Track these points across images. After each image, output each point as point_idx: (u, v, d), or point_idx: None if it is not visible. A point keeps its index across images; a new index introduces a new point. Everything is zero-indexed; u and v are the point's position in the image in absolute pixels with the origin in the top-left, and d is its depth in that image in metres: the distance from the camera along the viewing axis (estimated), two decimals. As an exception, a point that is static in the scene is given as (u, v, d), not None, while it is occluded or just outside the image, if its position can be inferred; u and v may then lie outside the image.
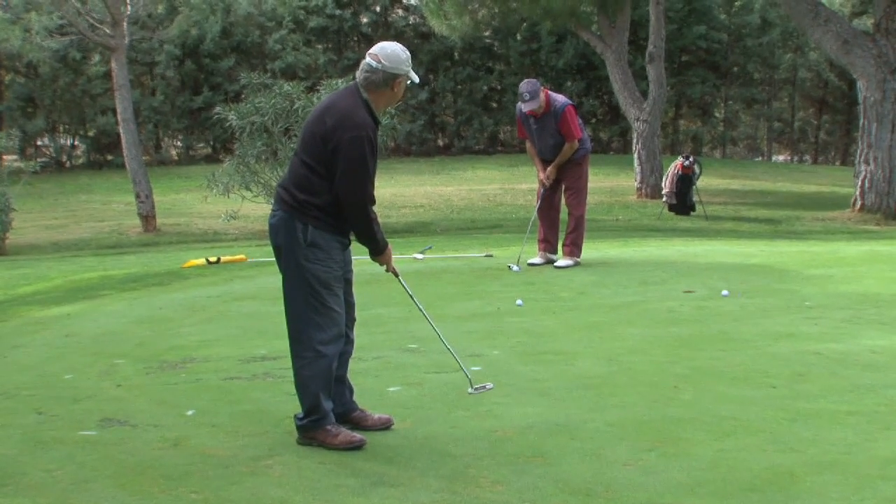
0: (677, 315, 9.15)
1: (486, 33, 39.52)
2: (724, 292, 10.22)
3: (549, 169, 12.22)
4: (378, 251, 5.73)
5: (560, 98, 12.17)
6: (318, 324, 5.51)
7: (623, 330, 8.42)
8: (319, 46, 40.84)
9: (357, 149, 5.46)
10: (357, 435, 5.56)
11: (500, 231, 18.54)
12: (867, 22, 27.10)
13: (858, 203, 21.23)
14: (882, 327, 8.46)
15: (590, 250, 13.50)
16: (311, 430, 5.54)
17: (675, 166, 22.19)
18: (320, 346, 5.50)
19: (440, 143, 43.25)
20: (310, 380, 5.53)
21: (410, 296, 5.98)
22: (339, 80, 19.81)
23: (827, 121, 48.30)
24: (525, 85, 11.93)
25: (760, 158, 47.73)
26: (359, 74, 5.65)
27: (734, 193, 28.00)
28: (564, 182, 12.44)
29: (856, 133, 27.03)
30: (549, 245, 12.64)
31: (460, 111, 42.17)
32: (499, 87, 42.24)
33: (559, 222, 12.70)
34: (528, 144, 12.64)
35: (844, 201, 22.47)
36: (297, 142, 5.83)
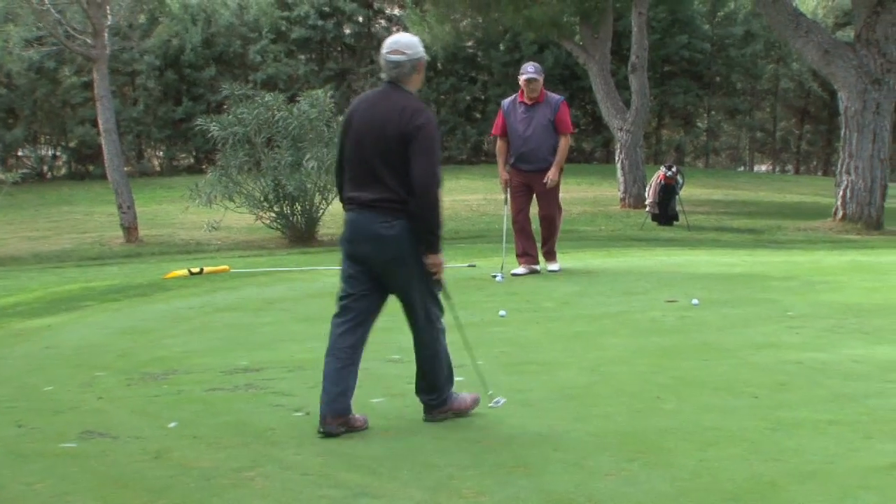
0: (660, 325, 9.18)
1: (469, 44, 39.56)
2: (695, 301, 10.27)
3: (551, 170, 12.26)
4: (437, 247, 5.98)
5: (556, 94, 12.45)
6: (438, 306, 6.16)
7: (606, 340, 8.44)
8: (302, 57, 40.80)
9: (432, 130, 5.88)
10: (469, 395, 6.33)
11: (484, 241, 18.53)
12: (850, 34, 27.17)
13: (840, 213, 21.26)
14: (863, 337, 8.51)
15: (573, 260, 13.53)
16: (445, 403, 6.18)
17: (657, 176, 22.20)
18: (441, 322, 6.20)
19: (423, 153, 43.27)
20: (445, 354, 6.21)
21: (450, 304, 6.31)
22: (320, 91, 19.81)
23: (809, 131, 48.43)
24: (531, 64, 12.32)
25: (743, 168, 47.84)
26: (388, 73, 5.99)
27: (717, 203, 28.04)
28: (536, 189, 12.48)
29: (837, 143, 27.12)
30: (530, 258, 12.69)
31: (443, 121, 42.14)
32: (482, 98, 42.24)
33: (533, 232, 12.80)
34: (498, 143, 12.75)
35: (826, 211, 22.52)
36: (354, 156, 6.00)
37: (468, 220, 24.22)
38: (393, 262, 5.94)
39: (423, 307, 6.08)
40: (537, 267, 12.68)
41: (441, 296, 6.16)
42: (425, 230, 5.87)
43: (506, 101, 12.60)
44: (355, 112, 6.09)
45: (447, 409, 6.18)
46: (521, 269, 12.65)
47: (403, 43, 6.02)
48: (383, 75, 6.06)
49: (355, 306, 6.10)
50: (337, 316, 6.17)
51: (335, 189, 6.68)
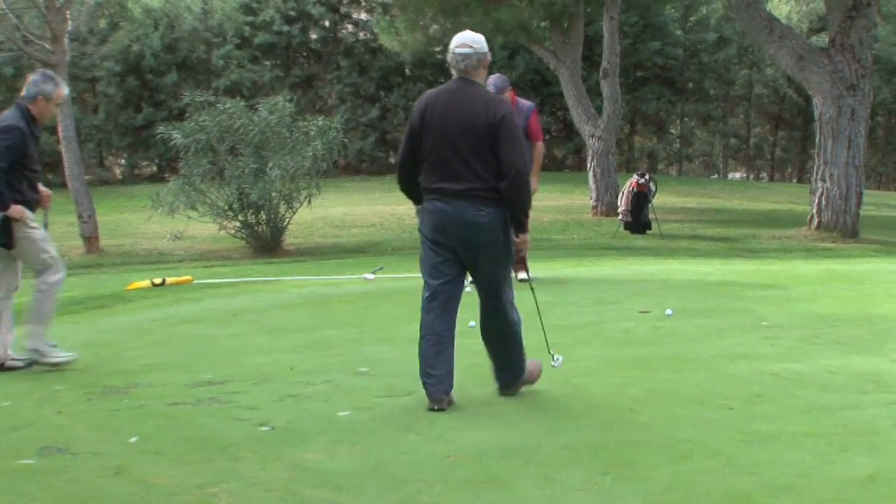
0: (633, 336, 9.20)
1: (438, 49, 39.60)
2: (668, 311, 10.31)
3: (532, 181, 12.26)
4: (528, 227, 6.69)
5: (526, 101, 12.38)
6: (512, 289, 6.83)
7: (578, 351, 8.44)
8: (267, 63, 40.75)
9: (513, 119, 6.53)
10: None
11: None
12: (825, 39, 27.35)
13: (815, 221, 21.37)
14: (839, 347, 8.55)
15: (544, 269, 13.54)
16: (520, 378, 6.90)
17: (630, 184, 22.29)
18: (515, 304, 6.85)
19: (391, 160, 43.23)
20: (521, 336, 6.83)
21: (532, 288, 7.40)
22: (280, 97, 19.74)
23: (783, 137, 48.74)
24: (495, 77, 12.08)
25: (716, 176, 48.09)
26: (457, 66, 6.60)
27: (690, 211, 28.17)
28: None
29: (812, 150, 27.27)
30: None
31: (413, 129, 42.21)
32: (451, 104, 42.34)
33: None
34: None
35: (801, 219, 22.64)
36: (440, 149, 6.53)
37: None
38: (486, 248, 6.55)
39: (505, 290, 6.73)
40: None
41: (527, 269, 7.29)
42: (520, 212, 6.58)
43: None
44: (432, 108, 6.59)
45: (521, 384, 6.93)
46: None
47: (470, 38, 6.65)
48: (452, 70, 6.65)
49: (444, 290, 6.65)
50: (429, 301, 6.69)
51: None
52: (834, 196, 21.06)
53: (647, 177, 22.37)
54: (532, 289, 7.43)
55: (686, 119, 46.41)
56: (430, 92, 6.82)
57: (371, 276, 14.02)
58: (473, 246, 6.52)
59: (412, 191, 6.82)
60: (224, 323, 10.60)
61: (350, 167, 40.61)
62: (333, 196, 27.27)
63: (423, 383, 6.58)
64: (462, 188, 6.45)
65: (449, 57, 6.66)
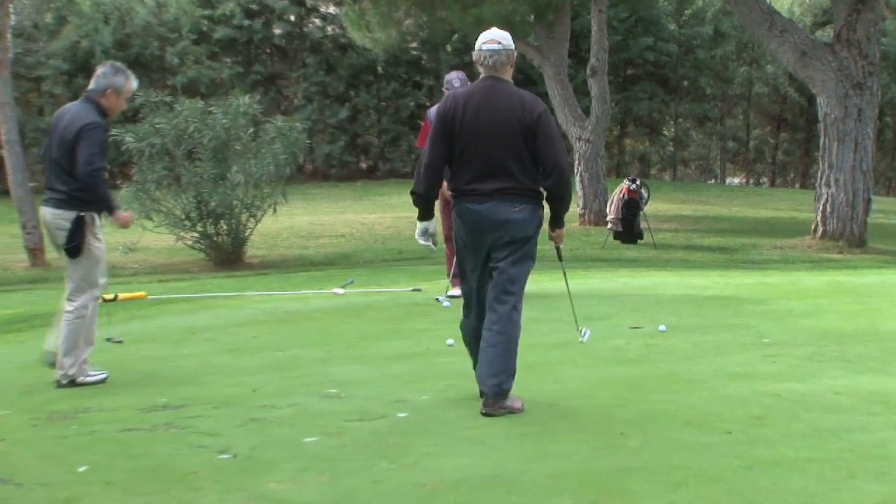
0: (624, 354, 9.22)
1: (413, 45, 39.64)
2: (662, 327, 10.34)
3: None
4: (563, 221, 7.46)
5: None
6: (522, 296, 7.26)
7: (564, 371, 8.45)
8: (227, 60, 40.72)
9: (549, 115, 7.01)
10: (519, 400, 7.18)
11: (429, 262, 18.53)
12: (830, 33, 27.48)
13: (820, 229, 21.46)
14: (845, 366, 8.58)
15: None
16: (507, 395, 7.03)
17: (620, 190, 22.35)
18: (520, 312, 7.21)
19: (363, 165, 43.28)
20: (517, 343, 7.11)
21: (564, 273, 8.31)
22: (240, 98, 19.64)
23: (785, 139, 48.93)
24: (455, 73, 12.16)
25: (713, 181, 48.28)
26: (485, 63, 6.99)
27: (685, 219, 28.26)
28: None
29: (816, 153, 27.38)
30: None
31: (385, 130, 42.22)
32: (427, 104, 42.29)
33: None
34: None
35: (804, 227, 22.74)
36: (474, 149, 6.99)
37: (412, 240, 24.15)
38: (518, 243, 7.10)
39: (520, 289, 7.18)
40: None
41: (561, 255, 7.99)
42: (562, 207, 7.27)
43: (432, 111, 12.38)
44: (464, 108, 6.99)
45: (506, 406, 7.02)
46: (458, 291, 12.68)
47: (498, 34, 7.07)
48: (480, 68, 7.06)
49: (481, 294, 7.30)
50: (471, 308, 7.44)
51: (419, 186, 7.28)
52: (840, 203, 21.14)
53: (638, 182, 22.44)
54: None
55: (680, 120, 46.56)
56: (458, 91, 7.26)
57: (340, 291, 14.02)
58: (507, 242, 7.07)
59: (434, 197, 7.30)
60: (181, 342, 10.58)
61: (318, 173, 40.62)
62: (300, 204, 27.24)
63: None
64: (495, 188, 6.95)
65: (475, 55, 7.06)
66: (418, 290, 13.96)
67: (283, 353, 9.56)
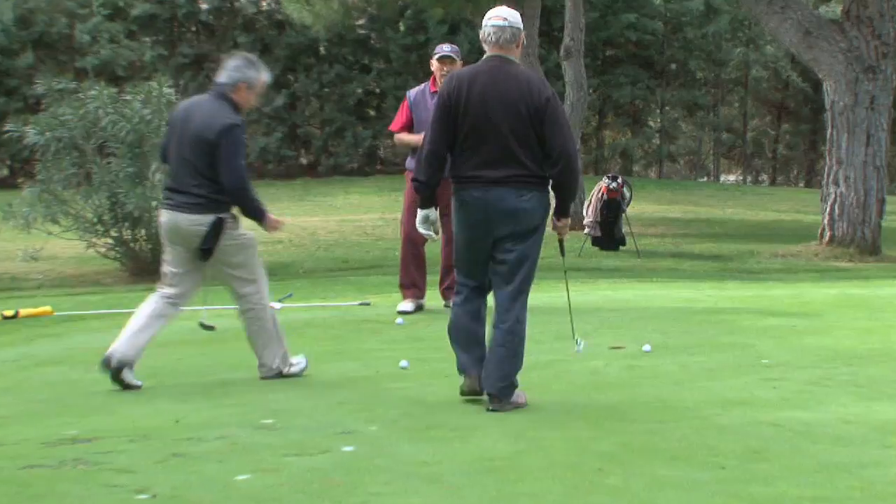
0: (603, 378, 9.23)
1: (360, 22, 39.60)
2: (646, 347, 10.37)
3: None
4: (569, 210, 8.16)
5: None
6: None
7: (535, 397, 8.47)
8: (147, 39, 40.60)
9: (557, 99, 7.49)
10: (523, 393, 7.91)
11: (380, 272, 18.55)
12: (837, 10, 27.64)
13: (827, 234, 21.52)
14: (857, 391, 8.61)
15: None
16: (514, 391, 7.76)
17: (598, 190, 22.40)
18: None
19: (303, 161, 43.23)
20: (523, 342, 7.83)
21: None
22: (155, 82, 19.56)
23: (788, 131, 49.21)
24: (447, 44, 13.00)
25: (706, 179, 48.48)
26: (491, 40, 7.46)
27: (673, 223, 28.38)
28: (444, 202, 12.42)
29: (823, 147, 27.54)
30: (419, 291, 12.75)
31: (328, 121, 42.16)
32: (377, 91, 42.34)
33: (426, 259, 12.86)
34: (400, 135, 12.65)
35: (810, 232, 22.87)
36: (480, 135, 7.46)
37: (360, 247, 24.24)
38: (526, 234, 7.63)
39: (526, 284, 7.80)
40: (424, 302, 12.76)
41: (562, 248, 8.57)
42: (569, 197, 7.92)
43: (413, 91, 12.65)
44: (467, 90, 7.43)
45: (513, 403, 7.76)
46: (408, 305, 12.70)
47: (505, 11, 7.51)
48: (485, 46, 7.54)
49: (482, 291, 8.02)
50: (468, 302, 8.04)
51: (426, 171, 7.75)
52: (850, 204, 21.19)
53: (619, 181, 22.51)
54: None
55: (668, 108, 46.75)
56: (461, 71, 7.93)
57: (278, 306, 13.97)
58: (515, 233, 7.61)
59: (437, 184, 7.82)
60: (92, 365, 10.50)
61: (251, 169, 40.48)
62: (230, 205, 27.07)
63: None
64: (501, 175, 7.44)
65: (482, 33, 7.53)
66: (367, 304, 13.97)
67: (210, 377, 9.54)
